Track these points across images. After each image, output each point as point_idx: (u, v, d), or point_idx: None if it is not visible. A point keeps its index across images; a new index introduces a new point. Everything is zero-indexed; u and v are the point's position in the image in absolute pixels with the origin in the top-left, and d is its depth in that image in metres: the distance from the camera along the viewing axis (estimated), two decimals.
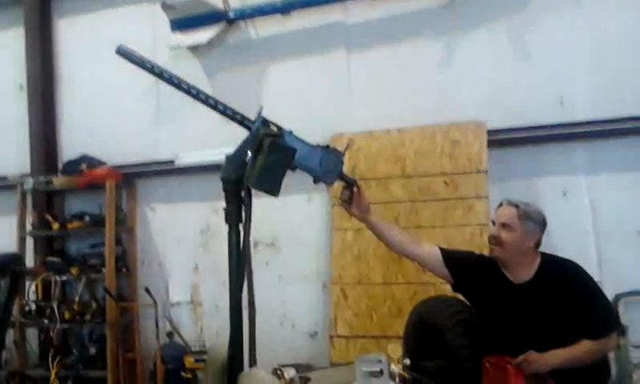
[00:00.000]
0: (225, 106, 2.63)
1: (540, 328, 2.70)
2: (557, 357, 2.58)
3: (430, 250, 3.04)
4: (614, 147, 4.45)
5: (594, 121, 4.43)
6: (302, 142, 2.63)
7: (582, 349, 2.62)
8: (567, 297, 2.69)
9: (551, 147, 4.57)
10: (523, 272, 2.83)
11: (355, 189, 2.89)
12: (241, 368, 2.59)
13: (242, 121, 2.63)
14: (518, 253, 2.83)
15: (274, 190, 2.53)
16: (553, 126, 4.50)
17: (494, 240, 2.84)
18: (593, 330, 2.65)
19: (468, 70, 4.77)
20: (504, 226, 2.82)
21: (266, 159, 2.49)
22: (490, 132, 4.55)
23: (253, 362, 2.58)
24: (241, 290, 2.65)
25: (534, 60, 4.62)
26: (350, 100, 5.09)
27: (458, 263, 3.00)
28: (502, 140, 4.58)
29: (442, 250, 3.02)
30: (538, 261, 2.85)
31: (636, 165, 4.41)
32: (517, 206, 2.84)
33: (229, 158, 2.63)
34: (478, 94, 4.71)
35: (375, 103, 5.02)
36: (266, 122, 2.64)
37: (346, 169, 4.91)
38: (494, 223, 2.90)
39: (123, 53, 2.51)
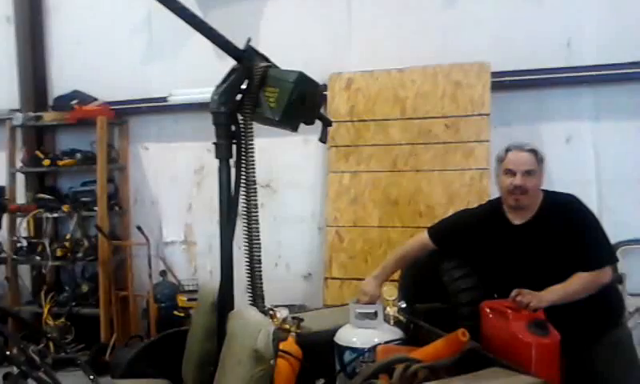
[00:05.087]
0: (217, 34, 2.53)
1: (540, 266, 2.65)
2: (552, 293, 2.53)
3: (422, 245, 2.98)
4: (620, 93, 4.33)
5: (601, 65, 4.28)
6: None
7: (576, 282, 2.56)
8: (565, 232, 2.64)
9: (556, 92, 4.44)
10: (528, 212, 2.76)
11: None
12: (231, 307, 2.55)
13: (233, 51, 2.54)
14: (535, 195, 2.77)
15: (295, 125, 2.61)
16: (558, 70, 4.36)
17: (521, 190, 2.71)
18: (586, 262, 2.59)
19: (473, 9, 4.59)
20: (528, 173, 2.71)
21: (290, 93, 2.46)
22: (493, 74, 4.41)
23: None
24: (232, 228, 2.60)
25: (541, 1, 4.43)
26: (350, 38, 4.92)
27: (450, 241, 2.93)
28: (505, 83, 4.44)
29: (431, 237, 2.94)
30: (540, 198, 2.78)
31: None
32: (534, 151, 2.76)
33: (219, 90, 2.53)
34: (482, 35, 4.55)
35: (376, 42, 4.86)
36: (256, 53, 2.56)
37: (344, 110, 4.87)
38: (511, 172, 2.73)
39: None
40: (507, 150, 2.80)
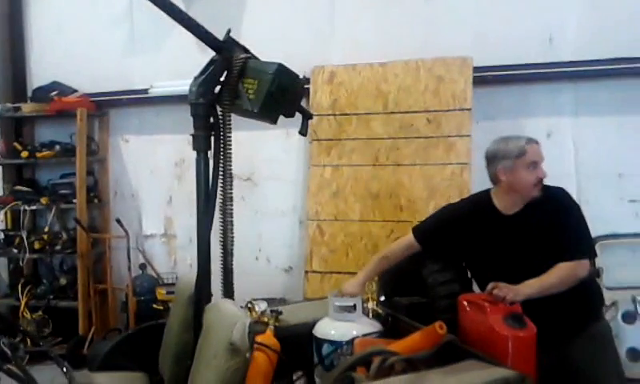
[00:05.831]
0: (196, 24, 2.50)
1: (529, 256, 2.65)
2: (529, 286, 2.53)
3: (407, 245, 2.94)
4: (600, 89, 4.37)
5: (582, 61, 4.31)
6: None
7: (553, 275, 2.55)
8: (551, 222, 2.65)
9: (538, 87, 4.47)
10: (519, 202, 2.75)
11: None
12: (208, 299, 2.53)
13: (212, 42, 2.51)
14: None
15: (274, 117, 2.57)
16: (540, 65, 4.38)
17: (542, 180, 2.73)
18: (565, 252, 2.59)
19: (455, 4, 4.60)
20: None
21: (269, 85, 2.43)
22: (475, 69, 4.42)
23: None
24: (210, 221, 2.58)
25: None
26: (333, 31, 4.90)
27: (436, 238, 2.91)
28: (487, 78, 4.45)
29: (416, 237, 2.91)
30: None
31: (621, 107, 4.35)
32: (538, 142, 2.78)
33: (198, 81, 2.51)
34: (465, 30, 4.56)
35: (359, 36, 4.85)
36: (236, 44, 2.53)
37: (326, 103, 4.85)
38: (535, 164, 2.71)
39: None
40: (526, 144, 2.74)
